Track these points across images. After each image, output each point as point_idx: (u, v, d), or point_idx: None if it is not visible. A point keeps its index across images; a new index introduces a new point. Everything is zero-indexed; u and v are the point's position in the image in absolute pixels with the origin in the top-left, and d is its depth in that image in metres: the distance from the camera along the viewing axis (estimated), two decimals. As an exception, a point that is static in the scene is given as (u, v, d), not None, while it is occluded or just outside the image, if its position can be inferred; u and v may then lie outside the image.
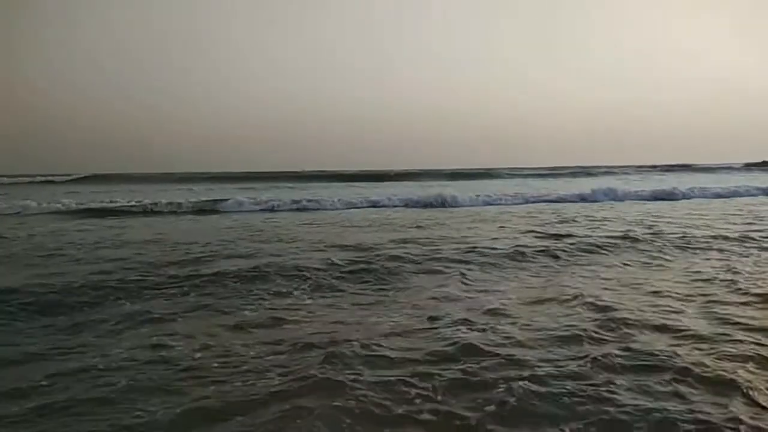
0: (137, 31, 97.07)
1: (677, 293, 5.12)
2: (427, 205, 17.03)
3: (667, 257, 7.10)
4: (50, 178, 43.05)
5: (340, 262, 6.67)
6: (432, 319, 4.42)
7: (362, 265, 6.53)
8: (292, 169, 47.23)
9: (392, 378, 3.21)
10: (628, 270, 6.35)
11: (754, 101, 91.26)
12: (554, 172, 44.71)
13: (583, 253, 7.37)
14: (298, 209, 16.69)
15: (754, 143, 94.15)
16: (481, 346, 3.68)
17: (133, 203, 17.68)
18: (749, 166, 51.42)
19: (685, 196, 18.99)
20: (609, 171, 45.93)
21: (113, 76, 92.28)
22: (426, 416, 2.78)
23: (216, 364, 3.52)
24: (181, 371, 3.41)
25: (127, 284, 5.72)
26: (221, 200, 17.51)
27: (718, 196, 19.35)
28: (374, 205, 17.45)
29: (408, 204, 17.33)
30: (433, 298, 5.16)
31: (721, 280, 5.62)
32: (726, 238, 8.51)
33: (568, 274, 6.13)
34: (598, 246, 7.82)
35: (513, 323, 4.25)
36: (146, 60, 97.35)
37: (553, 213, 13.69)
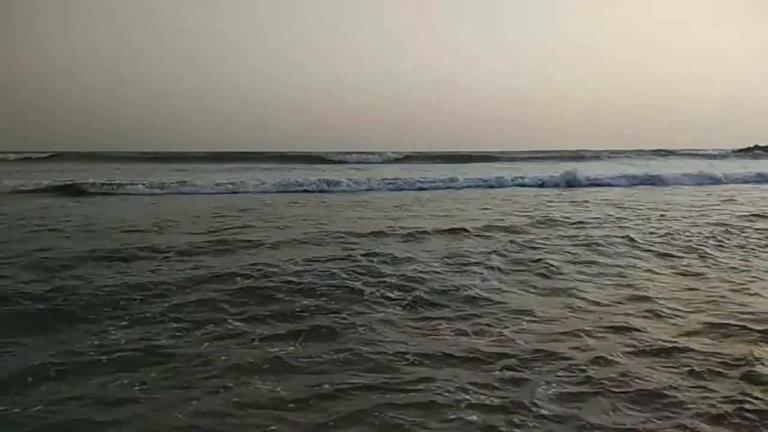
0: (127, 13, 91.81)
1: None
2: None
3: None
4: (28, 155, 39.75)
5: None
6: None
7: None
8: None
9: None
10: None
11: (739, 86, 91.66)
12: (544, 155, 43.84)
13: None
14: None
15: (742, 130, 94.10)
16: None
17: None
18: (737, 152, 51.09)
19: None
20: (596, 155, 45.34)
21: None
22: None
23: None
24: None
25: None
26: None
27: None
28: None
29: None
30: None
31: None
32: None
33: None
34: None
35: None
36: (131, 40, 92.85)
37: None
